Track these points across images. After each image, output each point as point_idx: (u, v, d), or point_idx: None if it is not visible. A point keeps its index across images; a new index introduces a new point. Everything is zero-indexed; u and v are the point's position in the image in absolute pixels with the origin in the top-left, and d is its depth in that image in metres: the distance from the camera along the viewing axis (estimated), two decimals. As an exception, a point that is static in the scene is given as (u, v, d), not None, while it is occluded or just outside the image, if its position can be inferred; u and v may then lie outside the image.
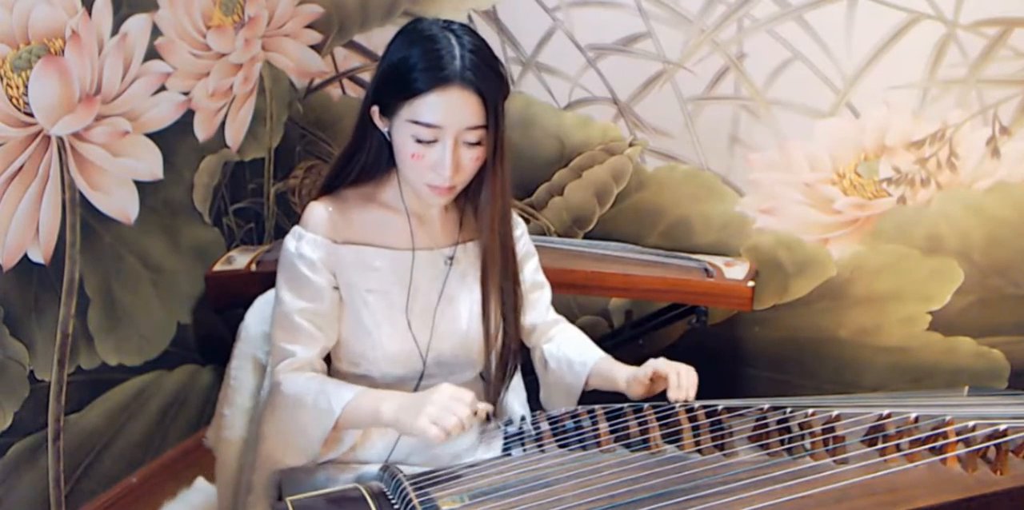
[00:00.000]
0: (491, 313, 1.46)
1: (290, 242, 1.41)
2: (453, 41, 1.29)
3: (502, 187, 1.40)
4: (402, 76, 1.29)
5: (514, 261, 1.49)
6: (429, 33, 1.31)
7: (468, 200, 1.45)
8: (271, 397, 1.41)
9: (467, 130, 1.30)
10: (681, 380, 1.35)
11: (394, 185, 1.43)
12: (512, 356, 1.50)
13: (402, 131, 1.31)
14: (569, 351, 1.55)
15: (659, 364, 1.39)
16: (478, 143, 1.31)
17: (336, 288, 1.41)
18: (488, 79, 1.29)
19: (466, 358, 1.48)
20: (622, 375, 1.45)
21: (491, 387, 1.51)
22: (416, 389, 1.46)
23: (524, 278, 1.54)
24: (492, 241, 1.44)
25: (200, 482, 2.02)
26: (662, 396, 1.37)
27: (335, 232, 1.40)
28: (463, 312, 1.46)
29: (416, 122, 1.29)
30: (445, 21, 1.34)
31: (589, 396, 1.51)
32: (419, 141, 1.30)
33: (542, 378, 1.59)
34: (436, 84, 1.27)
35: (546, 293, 1.61)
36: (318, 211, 1.41)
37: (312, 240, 1.39)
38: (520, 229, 1.55)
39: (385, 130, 1.36)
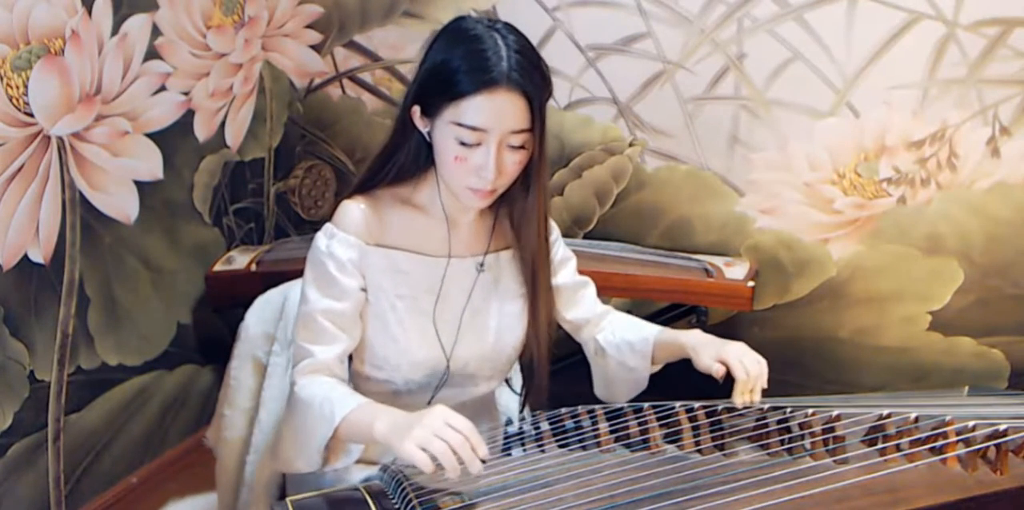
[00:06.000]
0: (539, 320, 1.44)
1: (321, 240, 1.37)
2: (499, 41, 1.25)
3: (544, 192, 1.37)
4: (447, 77, 1.25)
5: (549, 269, 1.46)
6: (474, 32, 1.27)
7: (504, 207, 1.41)
8: (289, 398, 1.39)
9: (512, 134, 1.26)
10: (749, 385, 1.33)
11: (431, 187, 1.39)
12: (541, 364, 1.48)
13: (445, 133, 1.28)
14: (626, 333, 1.52)
15: (731, 356, 1.34)
16: (521, 146, 1.28)
17: (364, 290, 1.38)
18: (534, 81, 1.25)
19: (491, 368, 1.46)
20: (688, 340, 1.41)
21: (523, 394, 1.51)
22: (432, 398, 1.44)
23: (567, 280, 1.52)
24: (541, 248, 1.41)
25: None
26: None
27: (368, 233, 1.37)
28: (491, 322, 1.43)
29: (460, 124, 1.25)
30: (489, 20, 1.30)
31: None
32: (462, 143, 1.26)
33: (600, 369, 1.56)
34: (482, 86, 1.23)
35: (591, 288, 1.57)
36: (352, 210, 1.37)
37: (344, 239, 1.35)
38: (555, 234, 1.51)
39: (425, 131, 1.32)
